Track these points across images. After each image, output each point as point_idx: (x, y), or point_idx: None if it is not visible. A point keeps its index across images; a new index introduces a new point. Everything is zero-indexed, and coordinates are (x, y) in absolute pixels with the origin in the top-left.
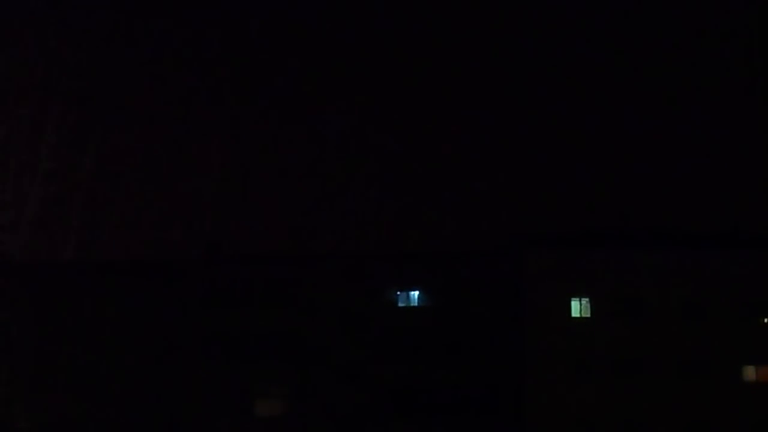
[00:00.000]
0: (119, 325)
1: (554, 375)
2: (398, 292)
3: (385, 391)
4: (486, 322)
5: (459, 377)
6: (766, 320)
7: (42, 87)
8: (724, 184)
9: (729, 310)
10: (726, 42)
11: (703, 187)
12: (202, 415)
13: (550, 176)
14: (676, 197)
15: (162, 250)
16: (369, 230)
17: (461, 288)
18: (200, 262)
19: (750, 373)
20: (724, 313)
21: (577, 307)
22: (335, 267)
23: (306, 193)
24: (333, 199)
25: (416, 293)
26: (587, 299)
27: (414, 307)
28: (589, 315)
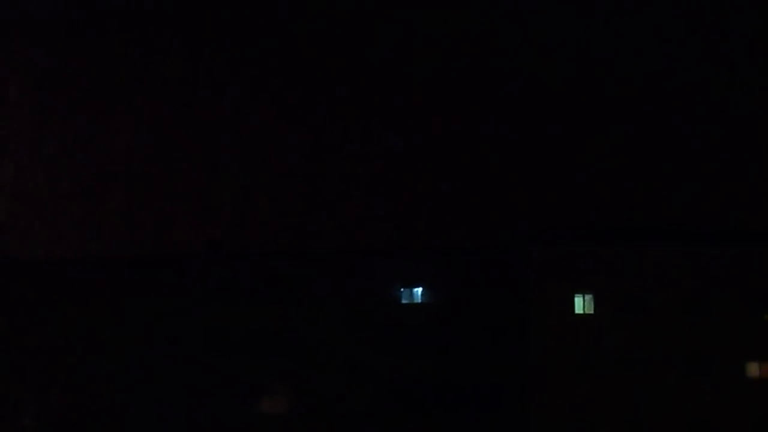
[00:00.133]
0: (121, 323)
1: (558, 371)
2: (402, 289)
3: (388, 387)
4: (489, 319)
5: (463, 374)
6: None
7: (42, 86)
8: (728, 180)
9: (733, 306)
10: (728, 39)
11: (707, 183)
12: (205, 413)
13: (554, 173)
14: (680, 193)
15: (164, 247)
16: (372, 227)
17: (465, 285)
18: (203, 259)
19: (753, 369)
20: (727, 309)
21: (581, 304)
22: (338, 264)
23: (309, 189)
24: (336, 195)
25: (420, 290)
26: (591, 295)
27: (417, 303)
28: (592, 311)
